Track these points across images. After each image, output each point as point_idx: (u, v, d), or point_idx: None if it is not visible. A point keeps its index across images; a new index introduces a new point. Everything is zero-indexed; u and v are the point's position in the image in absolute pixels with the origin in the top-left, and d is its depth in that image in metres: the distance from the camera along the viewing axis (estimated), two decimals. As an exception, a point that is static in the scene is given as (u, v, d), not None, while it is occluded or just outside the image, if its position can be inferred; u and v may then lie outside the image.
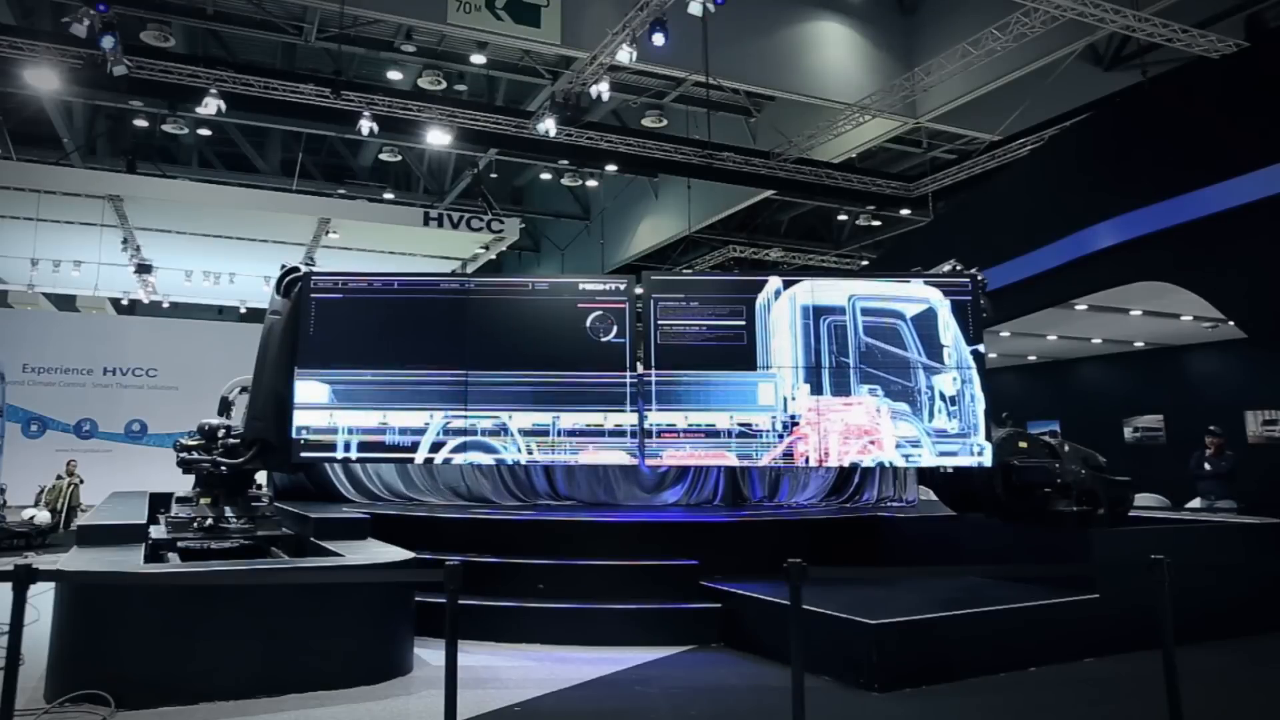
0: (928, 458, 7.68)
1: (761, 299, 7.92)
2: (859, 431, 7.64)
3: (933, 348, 7.79)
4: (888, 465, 8.82)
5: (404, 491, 9.70)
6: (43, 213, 15.57)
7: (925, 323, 7.84)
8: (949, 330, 7.83)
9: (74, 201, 15.32)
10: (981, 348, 7.82)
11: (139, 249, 17.63)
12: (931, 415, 7.67)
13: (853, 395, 7.68)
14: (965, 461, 7.65)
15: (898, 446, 7.64)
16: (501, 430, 7.76)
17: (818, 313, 7.85)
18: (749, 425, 7.68)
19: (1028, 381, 19.40)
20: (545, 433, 7.78)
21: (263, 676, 5.27)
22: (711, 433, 7.69)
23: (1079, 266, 11.60)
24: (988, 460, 7.58)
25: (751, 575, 7.02)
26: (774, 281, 7.99)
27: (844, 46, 15.93)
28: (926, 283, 7.99)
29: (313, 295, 7.90)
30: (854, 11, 16.04)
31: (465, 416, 7.75)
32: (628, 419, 7.73)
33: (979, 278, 8.01)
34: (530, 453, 7.77)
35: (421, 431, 7.76)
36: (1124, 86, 14.32)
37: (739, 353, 7.79)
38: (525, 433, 7.79)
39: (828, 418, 7.65)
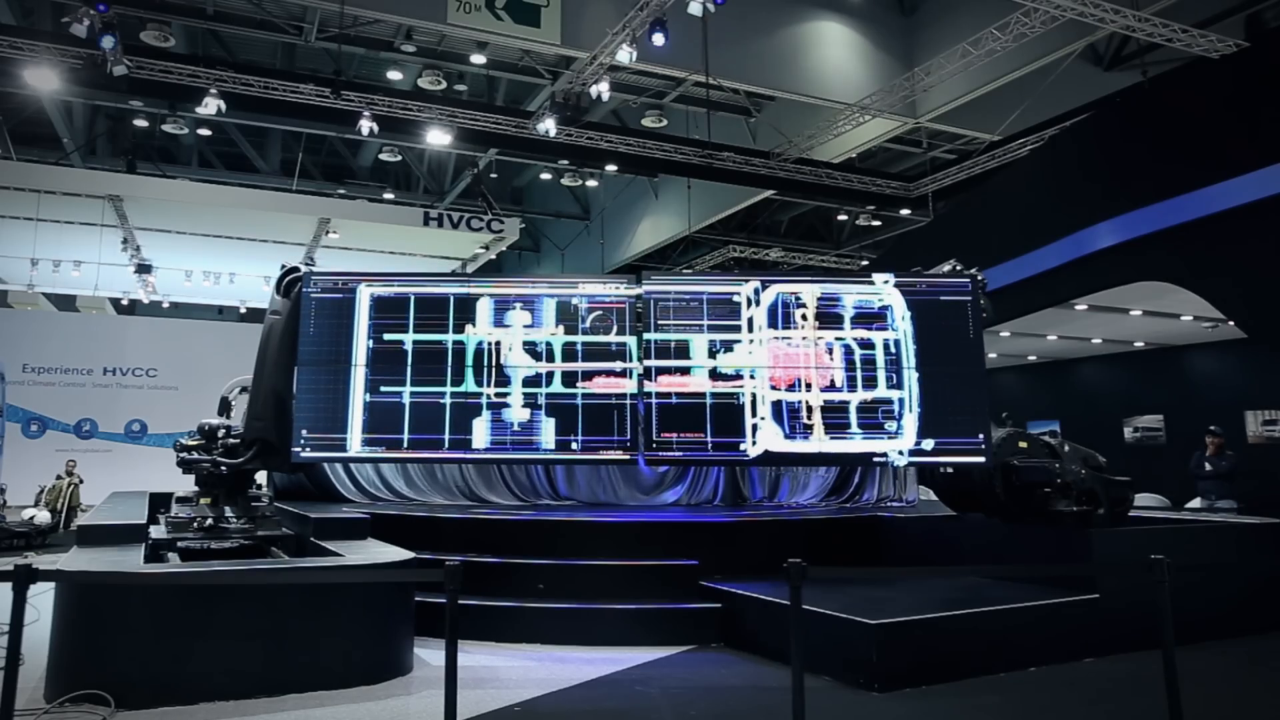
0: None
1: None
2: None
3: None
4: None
5: (404, 491, 9.70)
6: (43, 213, 15.56)
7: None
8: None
9: (74, 201, 15.31)
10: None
11: (139, 249, 17.63)
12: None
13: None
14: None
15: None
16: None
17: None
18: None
19: (1028, 381, 19.41)
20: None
21: (263, 676, 5.27)
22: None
23: (1079, 266, 11.60)
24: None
25: (751, 575, 7.03)
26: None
27: (844, 46, 15.94)
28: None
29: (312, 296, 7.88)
30: (854, 11, 16.04)
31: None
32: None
33: (979, 277, 7.98)
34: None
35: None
36: (1124, 86, 14.30)
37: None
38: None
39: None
